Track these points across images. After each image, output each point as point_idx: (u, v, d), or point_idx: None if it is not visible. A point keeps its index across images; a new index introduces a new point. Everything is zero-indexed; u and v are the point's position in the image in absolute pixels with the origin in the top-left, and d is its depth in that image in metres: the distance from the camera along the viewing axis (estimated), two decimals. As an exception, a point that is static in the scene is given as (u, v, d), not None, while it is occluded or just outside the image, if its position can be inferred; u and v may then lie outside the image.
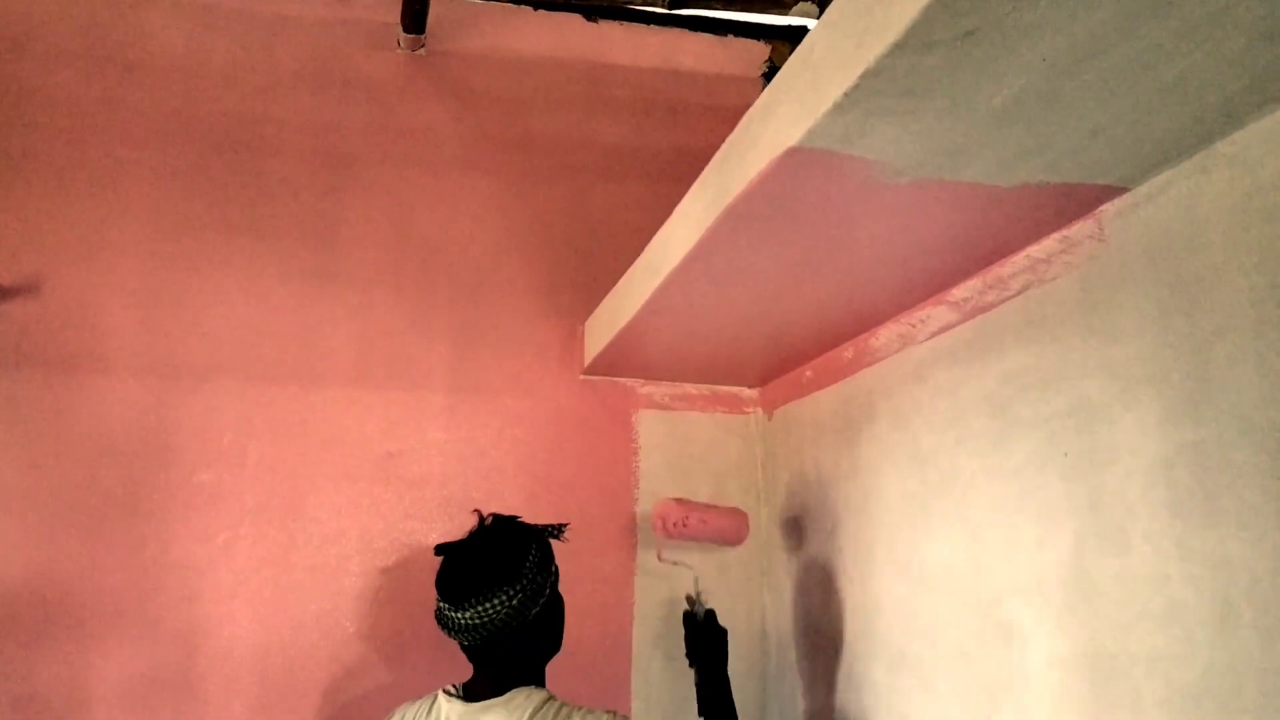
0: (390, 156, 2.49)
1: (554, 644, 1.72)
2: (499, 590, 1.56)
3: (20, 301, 2.13)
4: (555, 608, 1.69)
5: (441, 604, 1.61)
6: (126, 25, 2.40)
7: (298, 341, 2.28)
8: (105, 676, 1.98)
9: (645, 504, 2.41)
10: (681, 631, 1.97)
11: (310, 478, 2.20)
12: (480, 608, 1.55)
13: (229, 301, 2.26)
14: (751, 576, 2.46)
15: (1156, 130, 1.20)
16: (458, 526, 2.26)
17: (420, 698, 1.71)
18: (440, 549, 1.69)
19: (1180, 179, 1.29)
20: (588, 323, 2.44)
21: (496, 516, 1.75)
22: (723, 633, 1.92)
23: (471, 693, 1.62)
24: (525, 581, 1.58)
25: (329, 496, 2.20)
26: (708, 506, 2.23)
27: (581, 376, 2.47)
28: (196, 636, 2.05)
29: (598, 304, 2.34)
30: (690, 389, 2.55)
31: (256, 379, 2.22)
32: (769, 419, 2.53)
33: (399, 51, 2.59)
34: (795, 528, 2.32)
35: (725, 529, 2.24)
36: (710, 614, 1.94)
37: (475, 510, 1.81)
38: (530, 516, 2.28)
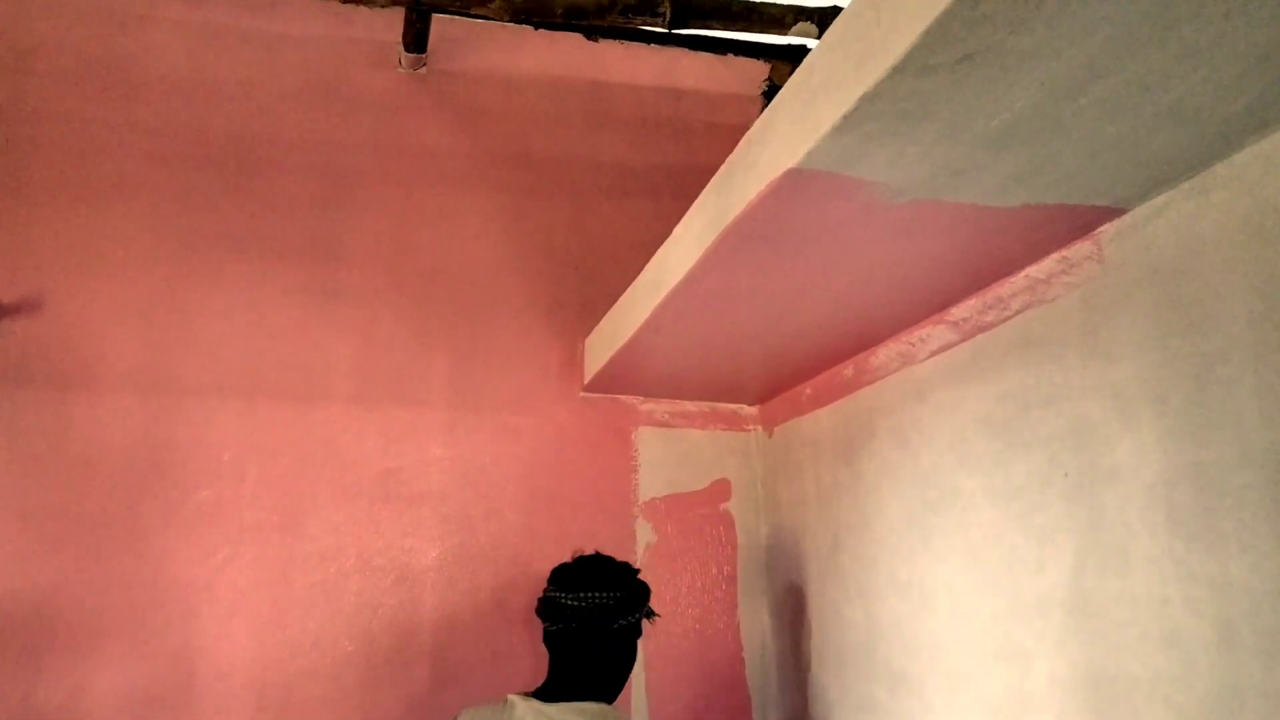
0: (391, 174, 2.50)
1: (621, 676, 1.84)
2: (605, 587, 1.81)
3: (20, 319, 2.13)
4: (632, 641, 1.85)
5: (550, 588, 1.85)
6: (128, 44, 2.41)
7: (297, 358, 2.28)
8: (103, 695, 1.97)
9: (643, 522, 2.41)
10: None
11: (309, 495, 2.20)
12: (585, 594, 1.79)
13: (229, 318, 2.26)
14: (752, 595, 2.45)
15: (1155, 152, 1.21)
16: (457, 544, 2.26)
17: (482, 704, 1.81)
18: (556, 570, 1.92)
19: (1179, 200, 1.29)
20: (588, 340, 2.44)
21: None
22: None
23: (546, 694, 1.76)
24: (625, 593, 1.82)
25: (328, 514, 2.20)
26: None
27: (581, 394, 2.47)
28: (194, 655, 2.04)
29: (598, 321, 2.34)
30: (690, 406, 2.55)
31: (256, 396, 2.22)
32: (769, 436, 2.52)
33: (400, 70, 2.60)
34: (795, 546, 2.32)
35: None
36: None
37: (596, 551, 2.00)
38: (529, 533, 2.30)
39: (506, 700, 1.76)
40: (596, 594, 1.80)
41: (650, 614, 1.92)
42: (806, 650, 2.22)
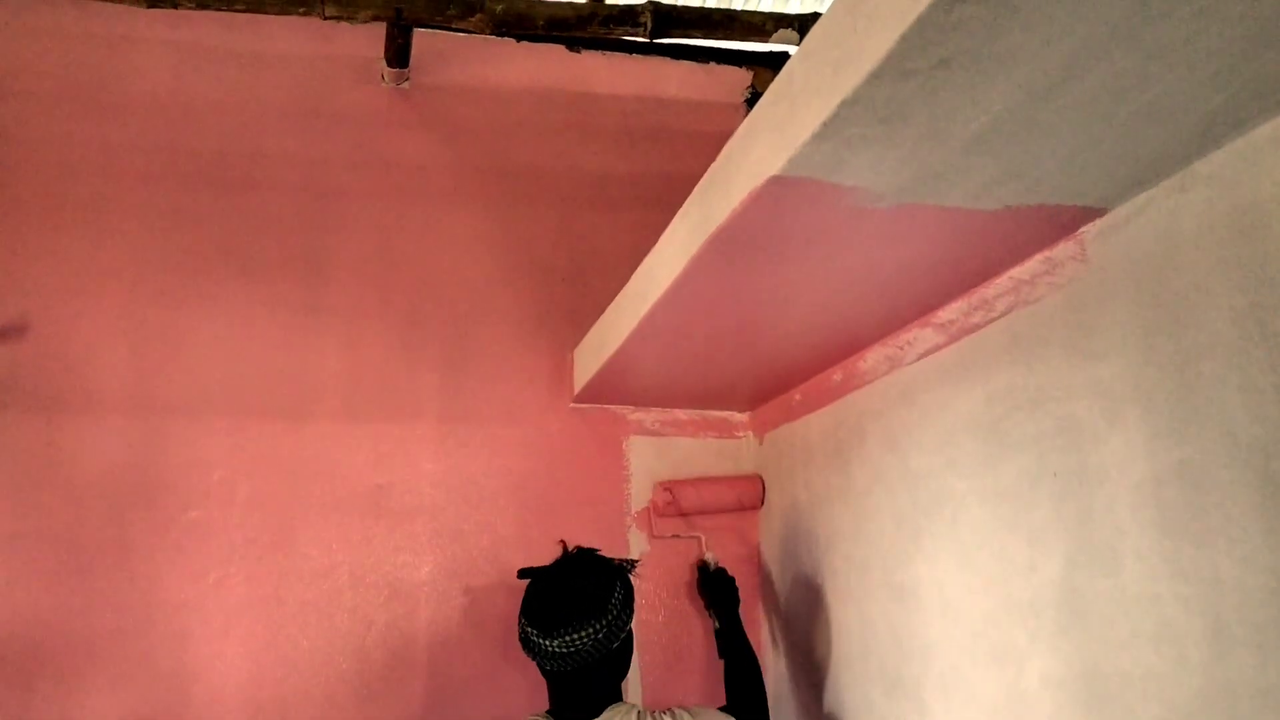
0: (376, 190, 2.50)
1: (626, 669, 1.79)
2: (587, 623, 1.67)
3: (7, 341, 2.12)
4: (631, 640, 1.78)
5: (530, 630, 1.70)
6: (111, 64, 2.41)
7: (286, 376, 2.28)
8: (97, 718, 1.96)
9: (637, 531, 2.41)
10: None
11: (300, 513, 2.19)
12: (568, 637, 1.65)
13: (216, 337, 2.26)
14: (746, 602, 2.44)
15: (1134, 152, 1.21)
16: (450, 558, 2.25)
17: None
18: (525, 573, 1.78)
19: (1159, 199, 1.30)
20: (576, 350, 2.44)
21: (580, 548, 1.85)
22: (733, 581, 2.17)
23: (562, 717, 1.71)
24: (611, 616, 1.69)
25: (319, 531, 2.19)
26: (704, 481, 2.39)
27: (571, 404, 2.47)
28: (188, 676, 2.03)
29: (586, 332, 2.34)
30: (680, 414, 2.55)
31: (245, 414, 2.22)
32: (760, 443, 2.53)
33: (383, 85, 2.60)
34: (788, 551, 2.32)
35: (726, 497, 2.40)
36: (721, 569, 2.21)
37: (560, 540, 1.91)
38: (523, 545, 2.28)
39: None
40: (580, 635, 1.65)
41: (631, 567, 1.81)
42: (802, 655, 2.21)
